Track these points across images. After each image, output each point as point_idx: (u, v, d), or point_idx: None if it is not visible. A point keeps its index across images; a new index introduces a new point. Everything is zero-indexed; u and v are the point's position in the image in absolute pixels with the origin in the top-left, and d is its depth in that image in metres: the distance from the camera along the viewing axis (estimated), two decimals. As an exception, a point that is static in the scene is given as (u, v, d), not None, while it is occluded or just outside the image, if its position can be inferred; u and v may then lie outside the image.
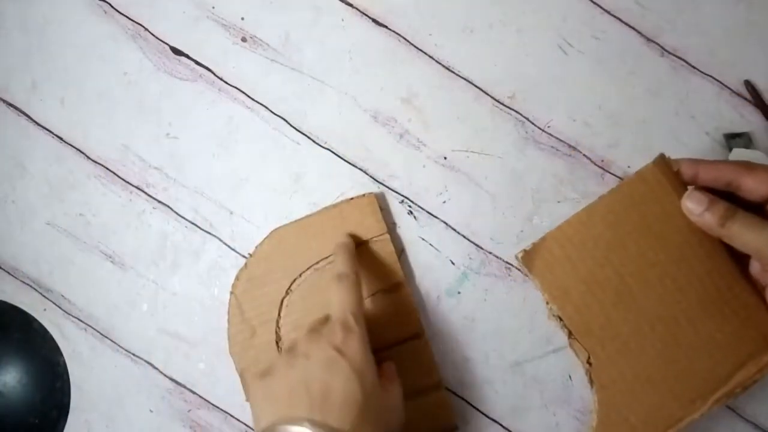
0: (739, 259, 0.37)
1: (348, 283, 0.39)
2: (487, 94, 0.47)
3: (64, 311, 0.47)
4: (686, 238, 0.37)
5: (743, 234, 0.35)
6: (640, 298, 0.37)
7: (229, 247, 0.47)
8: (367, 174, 0.47)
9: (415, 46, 0.48)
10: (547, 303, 0.39)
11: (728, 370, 0.37)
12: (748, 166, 0.36)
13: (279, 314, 0.44)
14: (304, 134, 0.48)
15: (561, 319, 0.38)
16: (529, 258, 0.38)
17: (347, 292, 0.39)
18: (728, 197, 0.36)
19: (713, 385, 0.37)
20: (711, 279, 0.37)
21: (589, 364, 0.38)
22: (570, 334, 0.38)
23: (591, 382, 0.38)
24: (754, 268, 0.37)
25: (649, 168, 0.37)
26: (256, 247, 0.46)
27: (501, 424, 0.45)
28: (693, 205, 0.36)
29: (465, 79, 0.47)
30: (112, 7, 0.49)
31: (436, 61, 0.48)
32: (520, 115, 0.47)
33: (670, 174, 0.37)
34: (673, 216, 0.37)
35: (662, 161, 0.38)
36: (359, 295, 0.40)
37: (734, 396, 0.37)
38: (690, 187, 0.37)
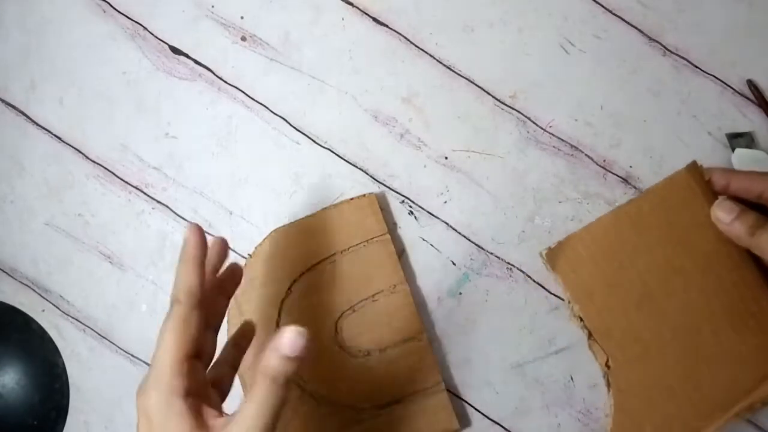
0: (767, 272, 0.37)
1: (175, 314, 0.32)
2: (488, 94, 0.47)
3: (63, 312, 0.47)
4: (714, 247, 0.36)
5: None
6: (664, 305, 0.37)
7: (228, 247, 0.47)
8: (367, 174, 0.47)
9: (415, 45, 0.48)
10: (569, 302, 0.38)
11: (749, 384, 0.36)
12: None
13: (279, 315, 0.44)
14: (304, 134, 0.48)
15: (582, 320, 0.38)
16: (553, 256, 0.38)
17: (169, 329, 0.32)
18: (759, 210, 0.36)
19: (733, 398, 0.36)
20: (737, 290, 0.36)
21: (608, 367, 0.37)
22: (590, 335, 0.38)
23: (608, 384, 0.37)
24: None
25: (681, 174, 0.37)
26: (256, 248, 0.45)
27: (502, 426, 0.44)
28: (723, 213, 0.36)
29: (466, 78, 0.47)
30: (111, 6, 0.49)
31: (437, 61, 0.47)
32: (522, 114, 0.47)
33: (702, 182, 0.37)
34: (703, 224, 0.36)
35: (694, 168, 0.37)
36: (187, 334, 0.32)
37: (754, 410, 0.36)
38: (720, 197, 0.37)
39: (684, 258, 0.36)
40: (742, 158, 0.45)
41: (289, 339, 0.29)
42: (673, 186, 0.37)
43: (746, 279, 0.36)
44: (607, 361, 0.37)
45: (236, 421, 0.29)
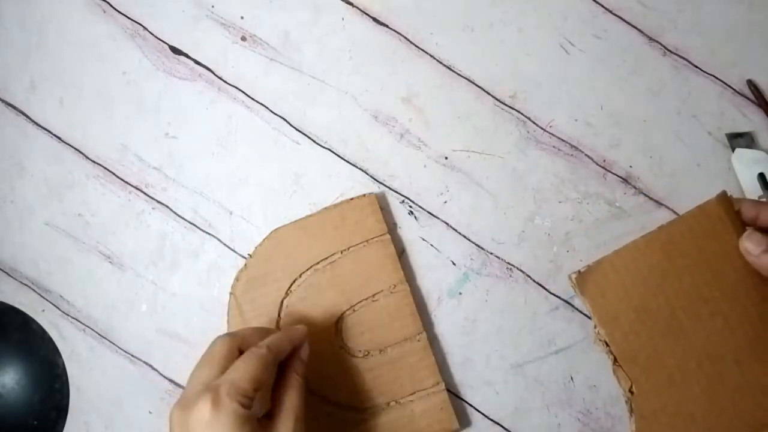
0: None
1: (253, 355, 0.35)
2: (488, 94, 0.47)
3: (63, 312, 0.47)
4: (742, 278, 0.36)
5: None
6: (690, 333, 0.37)
7: (228, 247, 0.47)
8: (367, 174, 0.47)
9: (415, 45, 0.48)
10: (595, 327, 0.38)
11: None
12: None
13: (279, 315, 0.44)
14: (304, 134, 0.48)
15: (607, 345, 0.38)
16: (582, 280, 0.38)
17: (245, 362, 0.35)
18: None
19: (755, 429, 0.36)
20: (763, 323, 0.36)
21: (631, 392, 0.37)
22: (615, 361, 0.38)
23: (631, 411, 0.37)
24: None
25: (711, 203, 0.37)
26: (256, 248, 0.45)
27: (502, 426, 0.44)
28: (751, 245, 0.36)
29: (466, 78, 0.47)
30: (111, 6, 0.49)
31: (437, 61, 0.47)
32: (522, 114, 0.47)
33: (731, 212, 0.37)
34: (731, 255, 0.36)
35: (724, 198, 0.37)
36: (265, 371, 0.35)
37: None
38: (749, 229, 0.37)
39: (712, 287, 0.37)
40: (742, 158, 0.45)
41: (306, 346, 0.39)
42: (704, 215, 0.37)
43: None
44: (631, 386, 0.37)
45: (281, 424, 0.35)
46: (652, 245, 0.37)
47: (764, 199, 0.39)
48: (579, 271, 0.38)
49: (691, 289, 0.37)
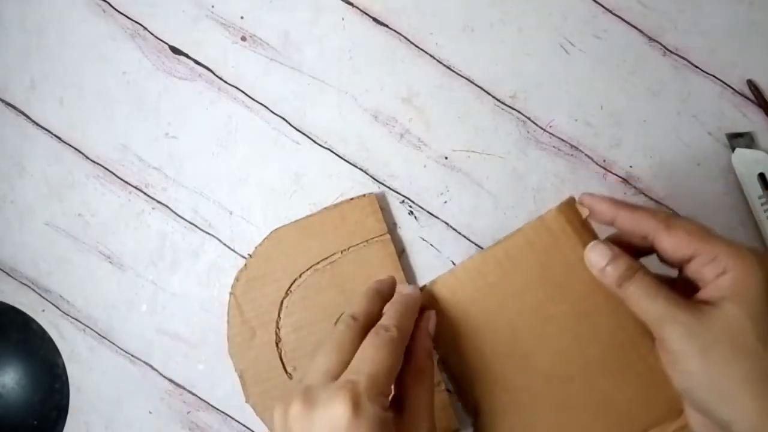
0: None
1: (384, 341, 0.30)
2: (489, 94, 0.47)
3: (63, 312, 0.47)
4: (590, 291, 0.33)
5: (639, 300, 0.31)
6: (536, 352, 0.33)
7: (228, 247, 0.47)
8: (367, 174, 0.47)
9: (415, 45, 0.48)
10: (435, 348, 0.35)
11: None
12: (668, 221, 0.31)
13: (279, 315, 0.44)
14: (304, 134, 0.48)
15: (445, 366, 0.35)
16: (427, 296, 0.35)
17: (379, 350, 0.29)
18: (646, 252, 0.33)
19: None
20: (615, 337, 0.33)
21: (475, 416, 0.34)
22: (455, 384, 0.35)
23: None
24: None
25: (552, 214, 0.33)
26: (256, 248, 0.45)
27: (502, 426, 0.44)
28: (596, 257, 0.32)
29: (466, 78, 0.47)
30: (111, 6, 0.49)
31: (437, 61, 0.47)
32: (522, 114, 0.47)
33: (577, 221, 0.33)
34: (576, 267, 0.33)
35: (567, 207, 0.33)
36: (399, 359, 0.30)
37: None
38: (594, 240, 0.33)
39: (558, 303, 0.33)
40: (742, 158, 0.45)
41: (432, 316, 0.33)
42: (544, 226, 0.33)
43: (624, 325, 0.33)
44: (475, 410, 0.34)
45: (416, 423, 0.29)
46: (488, 261, 0.33)
47: (673, 212, 0.34)
48: (425, 286, 0.35)
49: (535, 306, 0.33)
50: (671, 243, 0.31)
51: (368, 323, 0.32)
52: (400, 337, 0.30)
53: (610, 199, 0.33)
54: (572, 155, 0.46)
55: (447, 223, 0.46)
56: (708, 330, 0.29)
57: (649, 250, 0.33)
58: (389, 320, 0.31)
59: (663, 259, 0.32)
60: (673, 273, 0.33)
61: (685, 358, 0.30)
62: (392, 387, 0.30)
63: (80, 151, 0.48)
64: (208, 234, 0.47)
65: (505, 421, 0.34)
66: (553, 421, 0.34)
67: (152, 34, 0.49)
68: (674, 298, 0.30)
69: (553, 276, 0.33)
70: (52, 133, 0.49)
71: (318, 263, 0.45)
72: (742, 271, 0.29)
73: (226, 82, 0.48)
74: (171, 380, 0.46)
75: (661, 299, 0.30)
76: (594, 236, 0.33)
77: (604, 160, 0.46)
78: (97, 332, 0.47)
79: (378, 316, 0.32)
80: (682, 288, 0.32)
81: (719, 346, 0.29)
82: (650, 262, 0.33)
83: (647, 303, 0.30)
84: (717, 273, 0.30)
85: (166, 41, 0.49)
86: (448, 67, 0.47)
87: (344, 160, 0.47)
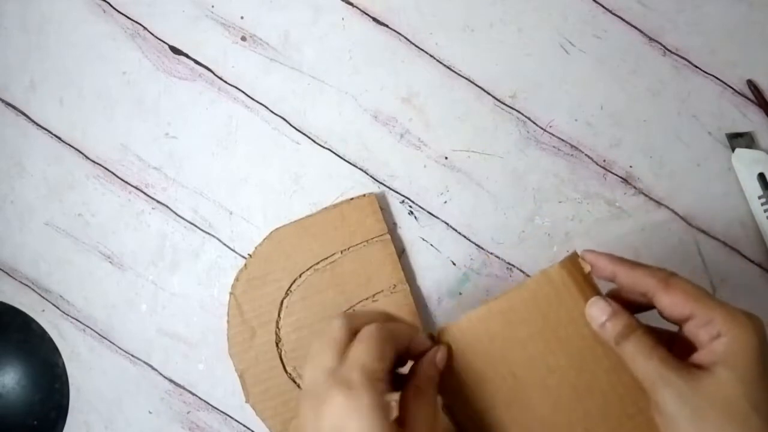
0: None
1: (373, 333, 0.31)
2: (489, 94, 0.47)
3: (63, 312, 0.47)
4: (590, 345, 0.34)
5: (635, 359, 0.31)
6: (536, 403, 0.34)
7: (228, 247, 0.47)
8: (367, 174, 0.47)
9: (415, 45, 0.48)
10: (440, 393, 0.35)
11: None
12: (667, 281, 0.32)
13: (279, 315, 0.44)
14: (304, 134, 0.48)
15: (452, 413, 0.35)
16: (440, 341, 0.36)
17: (369, 341, 0.31)
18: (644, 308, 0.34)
19: None
20: (614, 391, 0.34)
21: None
22: (460, 430, 0.35)
23: None
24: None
25: (555, 269, 0.34)
26: (256, 248, 0.45)
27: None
28: (596, 313, 0.33)
29: (466, 78, 0.47)
30: (111, 6, 0.49)
31: (437, 61, 0.47)
32: (522, 114, 0.47)
33: (578, 276, 0.34)
34: (578, 322, 0.34)
35: (570, 263, 0.34)
36: (388, 347, 0.31)
37: None
38: (595, 296, 0.34)
39: (558, 355, 0.34)
40: (742, 158, 0.45)
41: (442, 349, 0.34)
42: (547, 280, 0.34)
43: (623, 379, 0.33)
44: None
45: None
46: (492, 313, 0.34)
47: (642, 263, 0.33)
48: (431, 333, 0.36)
49: (537, 358, 0.34)
50: (669, 302, 0.31)
51: (360, 327, 0.33)
52: (384, 329, 0.32)
53: (610, 256, 0.34)
54: (572, 155, 0.46)
55: (447, 223, 0.46)
56: (700, 395, 0.29)
57: (649, 305, 0.33)
58: (374, 320, 0.33)
59: (663, 316, 0.33)
60: (675, 327, 0.33)
61: (677, 421, 0.30)
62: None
63: (80, 151, 0.48)
64: (208, 234, 0.47)
65: None
66: None
67: (152, 34, 0.49)
68: (669, 360, 0.30)
69: (556, 329, 0.34)
70: (52, 133, 0.49)
71: (318, 263, 0.45)
72: (736, 336, 0.30)
73: (226, 82, 0.48)
74: (171, 380, 0.46)
75: (656, 360, 0.30)
76: (596, 291, 0.34)
77: (604, 160, 0.46)
78: (97, 332, 0.47)
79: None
80: (683, 344, 0.32)
81: (711, 411, 0.29)
82: (652, 315, 0.33)
83: (642, 363, 0.31)
84: (711, 336, 0.30)
85: (166, 41, 0.49)
86: (448, 67, 0.47)
87: (344, 160, 0.47)
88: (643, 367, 0.31)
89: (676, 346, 0.32)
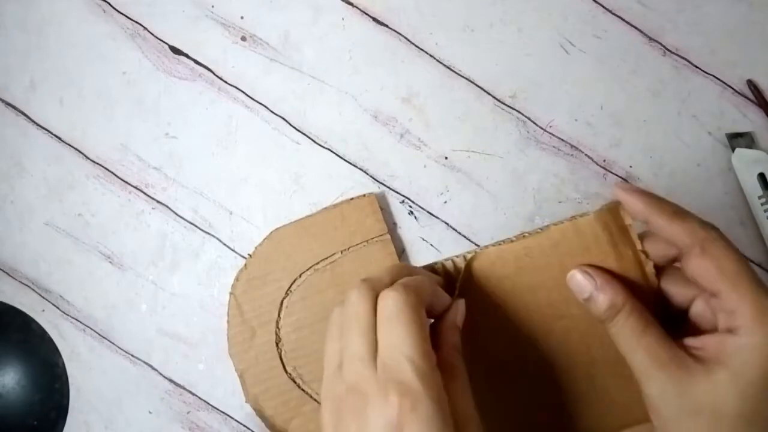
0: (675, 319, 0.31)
1: (406, 316, 0.26)
2: (489, 94, 0.47)
3: (63, 312, 0.47)
4: None
5: (619, 344, 0.29)
6: (539, 343, 0.34)
7: (228, 247, 0.47)
8: (367, 174, 0.47)
9: (415, 45, 0.48)
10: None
11: (615, 427, 0.34)
12: (704, 244, 0.28)
13: (279, 315, 0.44)
14: (304, 134, 0.48)
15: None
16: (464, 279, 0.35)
17: (403, 327, 0.26)
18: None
19: None
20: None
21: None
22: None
23: None
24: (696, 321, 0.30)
25: (587, 221, 0.32)
26: (256, 248, 0.45)
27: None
28: (576, 288, 0.30)
29: (466, 78, 0.47)
30: (111, 6, 0.49)
31: (437, 61, 0.47)
32: (522, 114, 0.47)
33: (615, 228, 0.31)
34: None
35: (609, 213, 0.32)
36: (425, 333, 0.27)
37: None
38: (577, 267, 0.31)
39: (571, 306, 0.33)
40: (742, 158, 0.45)
41: (460, 306, 0.30)
42: (574, 230, 0.32)
43: None
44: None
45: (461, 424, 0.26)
46: (505, 255, 0.33)
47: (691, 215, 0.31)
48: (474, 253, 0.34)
49: (547, 304, 0.33)
50: (698, 271, 0.28)
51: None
52: (421, 311, 0.27)
53: (647, 197, 0.29)
54: (572, 155, 0.46)
55: (447, 223, 0.46)
56: (688, 397, 0.26)
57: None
58: (409, 289, 0.28)
59: (689, 278, 0.29)
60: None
61: (661, 417, 0.27)
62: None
63: (80, 151, 0.48)
64: (208, 234, 0.47)
65: (500, 402, 0.34)
66: (548, 409, 0.34)
67: (152, 34, 0.49)
68: (657, 351, 0.27)
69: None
70: (52, 133, 0.49)
71: (318, 263, 0.45)
72: (756, 344, 0.25)
73: (226, 82, 0.48)
74: (171, 380, 0.46)
75: (641, 352, 0.28)
76: (632, 247, 0.31)
77: (604, 160, 0.46)
78: (97, 332, 0.47)
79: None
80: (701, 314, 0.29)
81: (698, 418, 0.26)
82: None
83: (627, 351, 0.28)
84: (728, 327, 0.26)
85: (166, 41, 0.49)
86: (448, 67, 0.47)
87: (344, 160, 0.47)
88: (627, 355, 0.28)
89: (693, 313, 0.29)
